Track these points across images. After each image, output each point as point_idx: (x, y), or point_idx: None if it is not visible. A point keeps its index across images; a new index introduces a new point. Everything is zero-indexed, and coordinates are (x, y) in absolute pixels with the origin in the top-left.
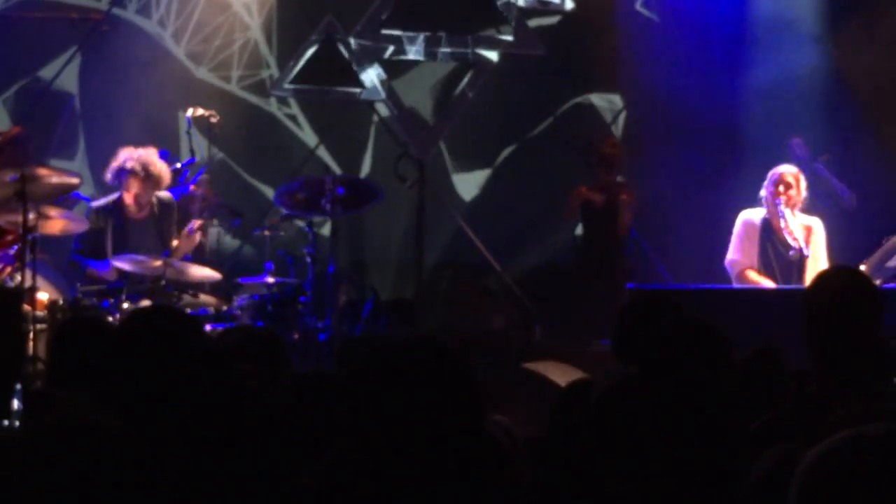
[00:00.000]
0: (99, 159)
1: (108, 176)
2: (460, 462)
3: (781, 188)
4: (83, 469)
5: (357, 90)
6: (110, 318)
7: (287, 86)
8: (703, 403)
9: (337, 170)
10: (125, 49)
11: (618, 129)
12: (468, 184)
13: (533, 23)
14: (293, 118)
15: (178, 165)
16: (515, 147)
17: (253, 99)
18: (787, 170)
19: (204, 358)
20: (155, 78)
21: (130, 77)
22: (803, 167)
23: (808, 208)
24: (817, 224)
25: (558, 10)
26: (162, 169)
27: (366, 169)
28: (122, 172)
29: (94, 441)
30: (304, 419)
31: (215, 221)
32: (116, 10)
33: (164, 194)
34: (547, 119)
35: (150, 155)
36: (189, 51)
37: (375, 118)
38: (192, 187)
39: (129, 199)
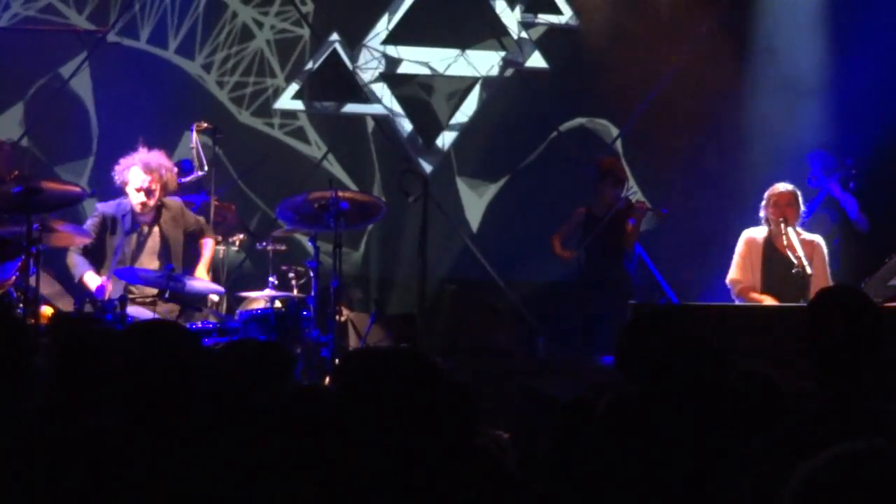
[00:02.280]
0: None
1: (117, 173)
2: (449, 474)
3: (783, 208)
4: (89, 481)
5: (362, 106)
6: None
7: (291, 101)
8: (702, 420)
9: (351, 184)
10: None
11: (619, 147)
12: (474, 200)
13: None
14: (317, 147)
15: (182, 179)
16: (520, 164)
17: (292, 142)
18: (784, 188)
19: (202, 371)
20: (187, 109)
21: (158, 105)
22: (818, 183)
23: (815, 225)
24: (819, 241)
25: (563, 27)
26: (171, 174)
27: (378, 184)
28: (130, 170)
29: (98, 454)
30: (303, 433)
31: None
32: (154, 49)
33: (174, 203)
34: (551, 135)
35: (161, 157)
36: (231, 92)
37: (380, 133)
38: (214, 201)
39: (134, 198)
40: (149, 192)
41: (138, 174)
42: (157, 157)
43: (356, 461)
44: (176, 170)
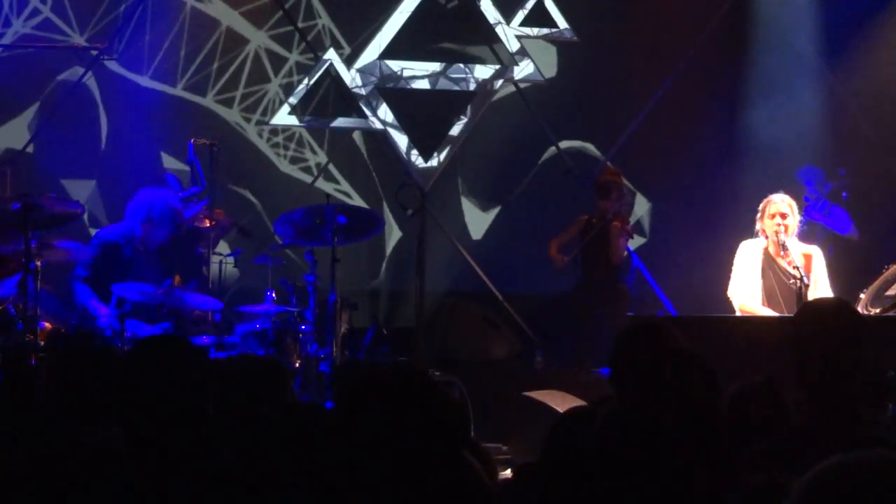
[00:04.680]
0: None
1: (140, 208)
2: (437, 489)
3: (778, 218)
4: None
5: (358, 121)
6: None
7: (287, 117)
8: (693, 431)
9: (360, 200)
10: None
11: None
12: (475, 214)
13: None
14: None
15: (182, 195)
16: (520, 179)
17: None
18: (780, 198)
19: (211, 386)
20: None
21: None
22: (811, 201)
23: (810, 235)
24: (817, 252)
25: (561, 39)
26: (174, 217)
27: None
28: (149, 217)
29: (100, 466)
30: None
31: (219, 248)
32: (186, 93)
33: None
34: (549, 148)
35: (177, 206)
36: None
37: (376, 148)
38: (205, 216)
39: (144, 236)
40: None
41: (157, 230)
42: (166, 206)
43: (347, 476)
44: (178, 203)
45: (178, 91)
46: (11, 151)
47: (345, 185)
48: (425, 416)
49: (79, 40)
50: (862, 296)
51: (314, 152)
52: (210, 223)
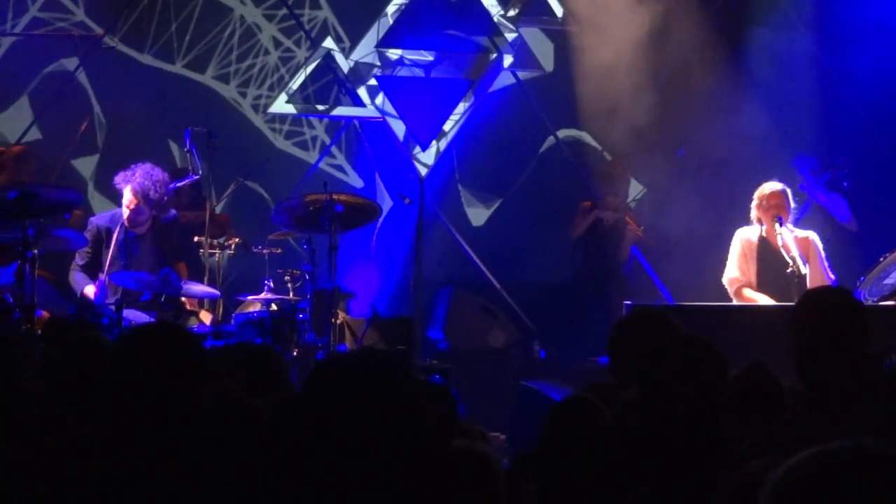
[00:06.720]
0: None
1: (116, 185)
2: (426, 476)
3: (773, 207)
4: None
5: (356, 109)
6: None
7: (284, 105)
8: (696, 419)
9: (353, 175)
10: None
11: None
12: (474, 203)
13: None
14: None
15: (178, 183)
16: (519, 170)
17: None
18: (774, 187)
19: (205, 374)
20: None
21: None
22: (808, 187)
23: (810, 222)
24: (814, 237)
25: (559, 27)
26: (161, 191)
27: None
28: (124, 188)
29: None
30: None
31: (215, 242)
32: (194, 75)
33: (166, 217)
34: (548, 138)
35: (154, 175)
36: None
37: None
38: (210, 207)
39: (126, 213)
40: (138, 212)
41: (129, 194)
42: (150, 178)
43: (328, 465)
44: (166, 185)
45: (178, 68)
46: (14, 138)
47: (340, 159)
48: (403, 402)
49: (82, 17)
50: (859, 285)
51: (311, 126)
52: (215, 229)
